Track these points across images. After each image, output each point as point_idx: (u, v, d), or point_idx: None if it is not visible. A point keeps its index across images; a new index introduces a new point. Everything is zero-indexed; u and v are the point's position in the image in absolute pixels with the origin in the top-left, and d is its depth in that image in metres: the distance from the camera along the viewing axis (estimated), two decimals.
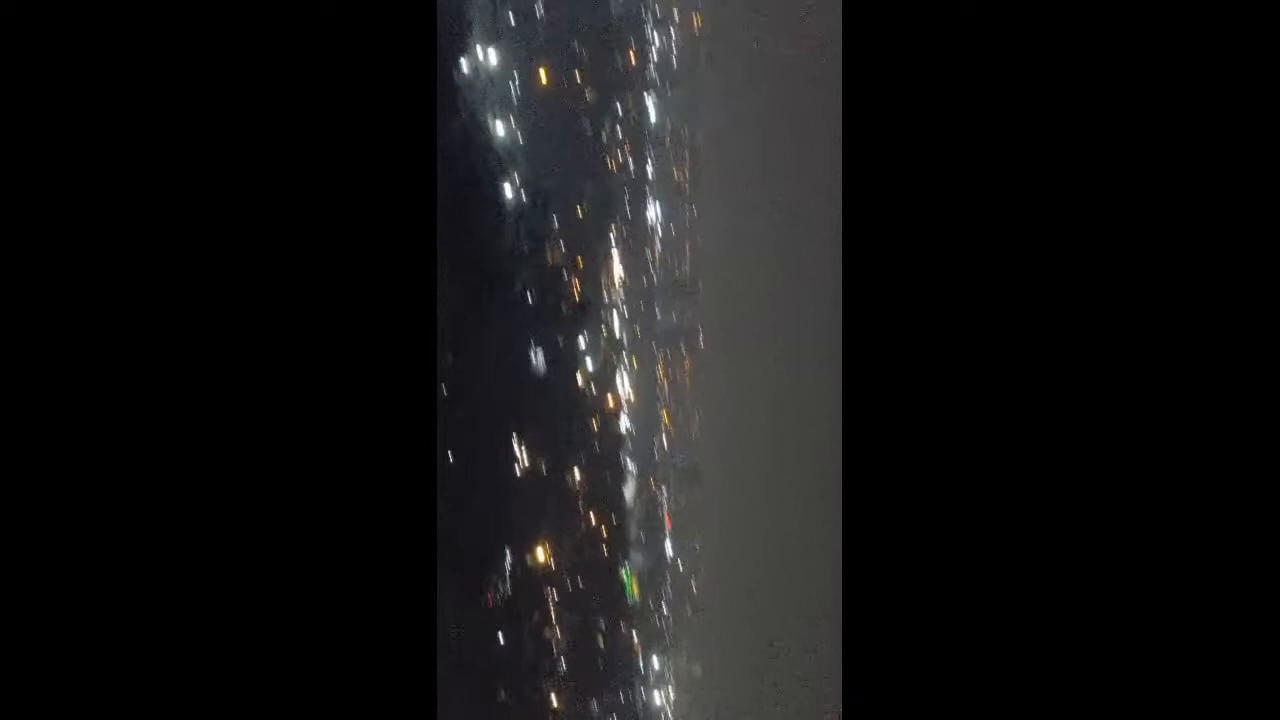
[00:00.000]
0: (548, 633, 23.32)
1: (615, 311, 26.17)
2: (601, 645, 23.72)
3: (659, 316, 31.79)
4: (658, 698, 30.01)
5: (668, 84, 29.60)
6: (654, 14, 29.46)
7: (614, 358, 25.17)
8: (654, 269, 32.11)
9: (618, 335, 26.39)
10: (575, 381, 23.70)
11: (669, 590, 33.48)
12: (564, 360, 24.27)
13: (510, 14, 21.75)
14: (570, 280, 24.41)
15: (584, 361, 24.13)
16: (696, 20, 35.30)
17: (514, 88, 21.95)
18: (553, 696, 23.36)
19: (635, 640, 26.49)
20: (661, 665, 30.01)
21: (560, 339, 24.31)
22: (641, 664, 27.28)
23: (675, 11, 32.55)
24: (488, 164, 21.56)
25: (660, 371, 32.08)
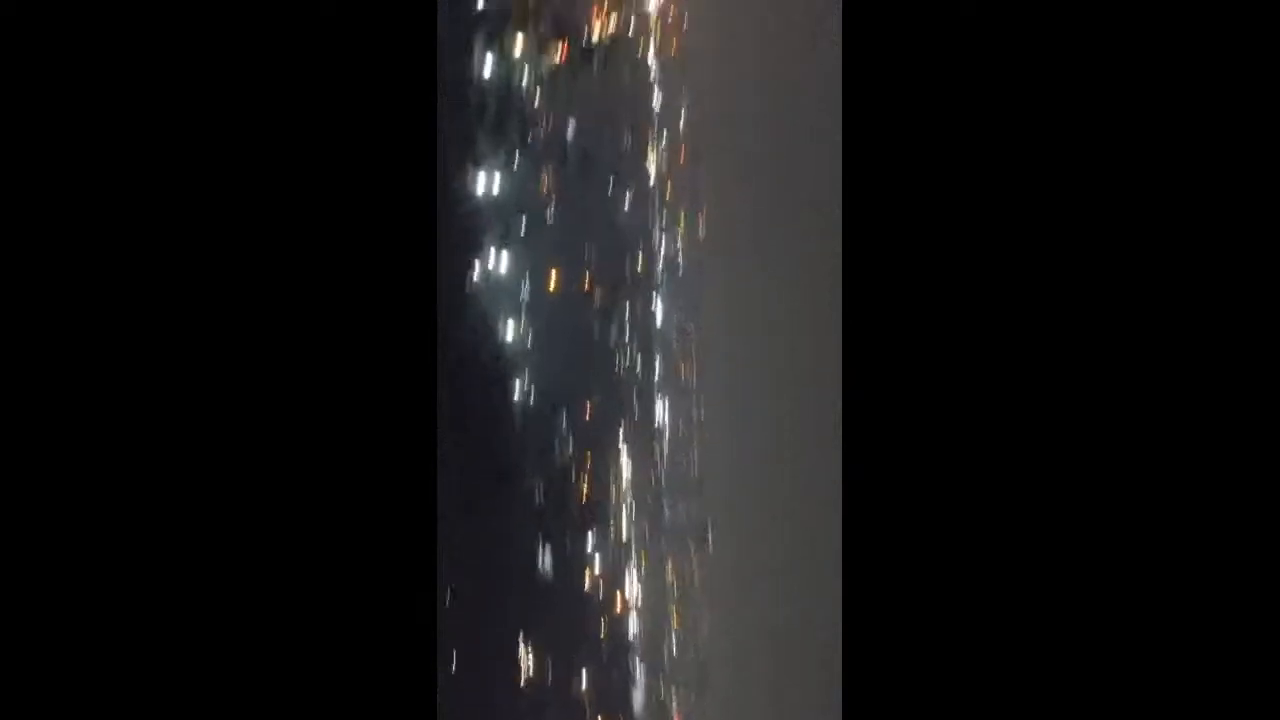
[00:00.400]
0: None
1: (624, 509, 26.10)
2: None
3: (667, 514, 31.59)
4: None
5: (673, 285, 31.32)
6: (660, 221, 31.44)
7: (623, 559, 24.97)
8: (662, 467, 32.25)
9: (624, 537, 26.17)
10: (583, 583, 23.34)
11: None
12: (572, 560, 24.00)
13: (523, 220, 23.24)
14: (579, 480, 24.50)
15: (593, 561, 23.79)
16: (701, 225, 37.58)
17: (524, 290, 23.10)
18: None
19: None
20: None
21: (568, 540, 24.14)
22: None
23: (682, 215, 34.74)
24: (498, 366, 22.34)
25: (669, 570, 31.50)
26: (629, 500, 26.59)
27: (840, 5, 3.72)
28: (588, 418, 24.42)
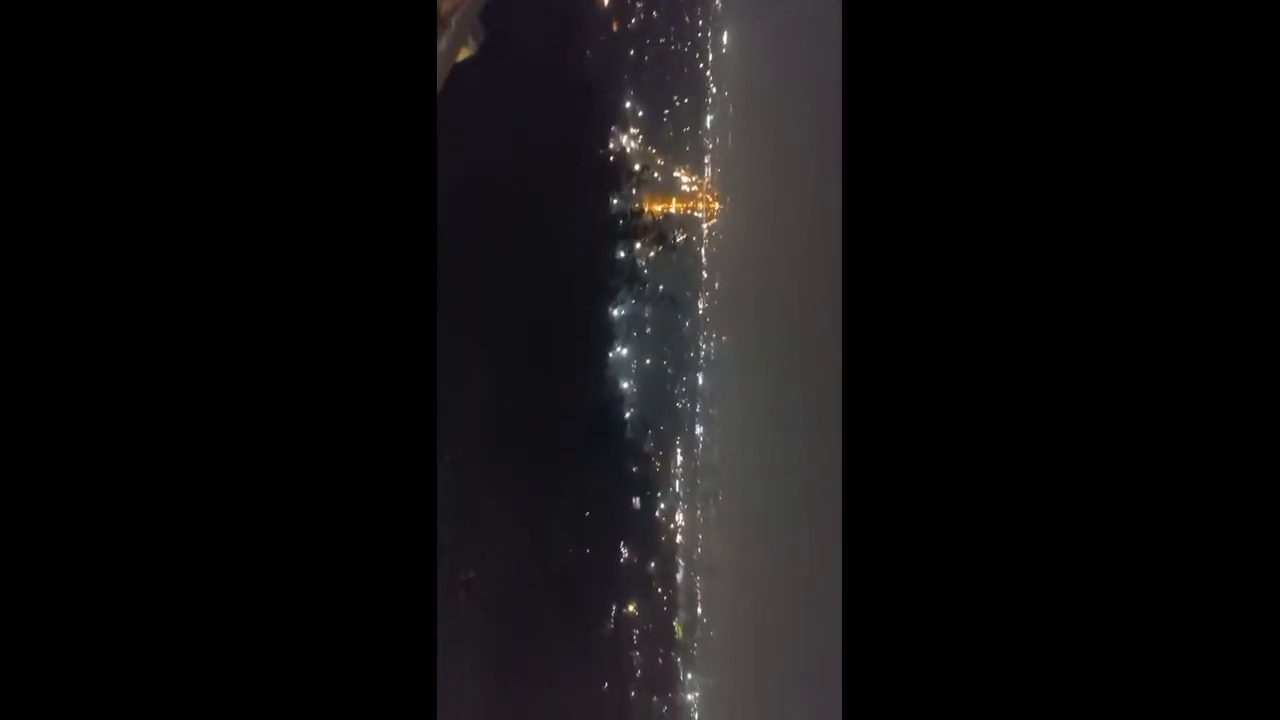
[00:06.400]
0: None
1: (677, 480, 46.03)
2: (660, 664, 41.98)
3: (699, 483, 51.61)
4: (689, 698, 48.80)
5: (710, 369, 52.90)
6: (704, 334, 53.13)
7: None
8: (697, 458, 52.44)
9: (677, 493, 46.95)
10: (654, 513, 42.43)
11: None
12: (649, 504, 43.81)
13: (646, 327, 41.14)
14: (655, 463, 43.74)
15: (659, 505, 42.65)
16: (724, 338, 58.42)
17: (634, 365, 41.01)
18: (633, 694, 40.60)
19: (678, 662, 45.27)
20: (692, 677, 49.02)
21: (648, 493, 44.14)
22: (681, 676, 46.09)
23: (715, 334, 56.97)
24: (620, 403, 41.64)
25: (699, 513, 51.75)
26: (680, 474, 47.86)
27: (840, 5, 3.55)
28: (661, 427, 44.01)
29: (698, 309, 49.79)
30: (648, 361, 42.23)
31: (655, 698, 43.10)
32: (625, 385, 39.01)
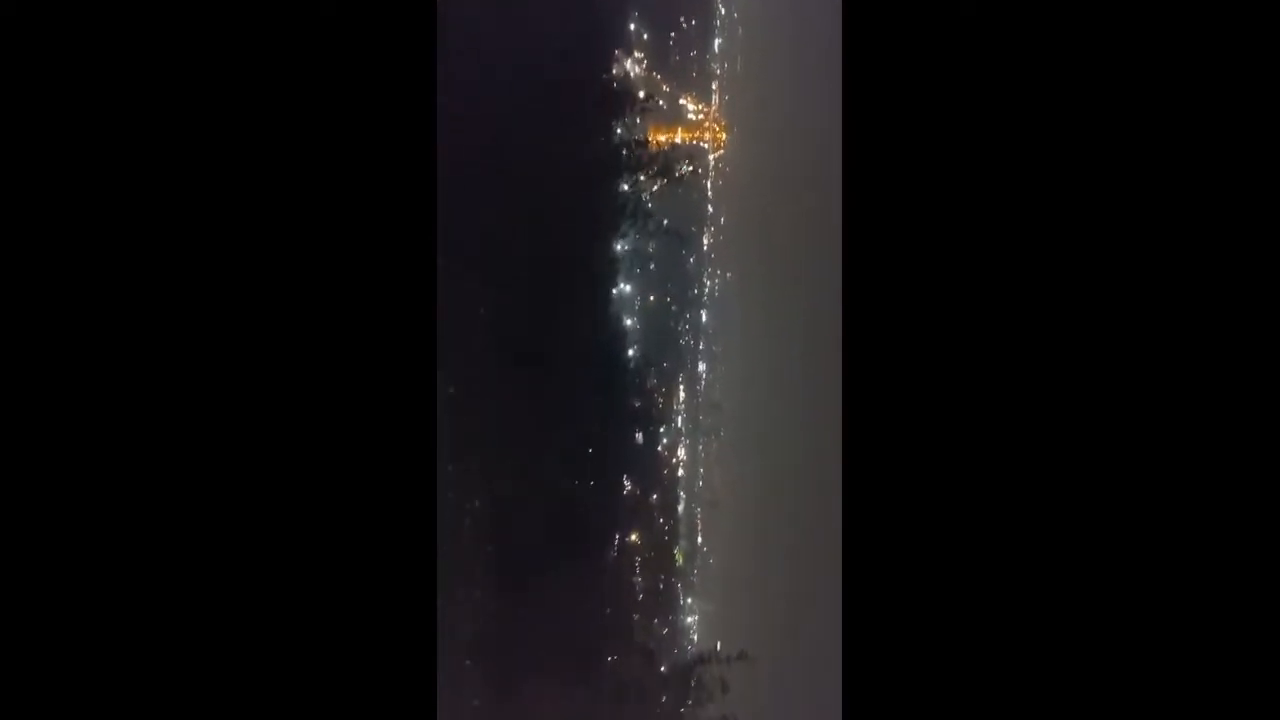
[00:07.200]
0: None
1: (680, 415, 46.85)
2: (662, 589, 43.35)
3: (700, 419, 53.00)
4: (688, 620, 50.27)
5: (712, 304, 52.85)
6: (709, 271, 52.73)
7: None
8: (700, 395, 53.17)
9: (679, 428, 47.73)
10: (658, 448, 43.77)
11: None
12: (652, 437, 46.12)
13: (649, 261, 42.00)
14: (658, 399, 45.72)
15: (662, 439, 45.39)
16: (729, 275, 57.92)
17: (637, 302, 41.80)
18: (635, 617, 42.03)
19: (679, 587, 46.59)
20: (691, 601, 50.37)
21: (650, 428, 45.00)
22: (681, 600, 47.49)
23: (719, 270, 55.70)
24: (624, 340, 42.57)
25: (700, 447, 53.05)
26: (683, 410, 48.22)
27: (840, 5, 3.53)
28: (664, 365, 44.94)
29: (703, 244, 49.30)
30: (651, 298, 42.02)
31: (656, 620, 44.36)
32: (628, 322, 38.91)
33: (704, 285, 50.89)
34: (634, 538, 43.69)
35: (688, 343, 49.26)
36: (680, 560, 44.83)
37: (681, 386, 49.40)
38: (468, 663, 15.20)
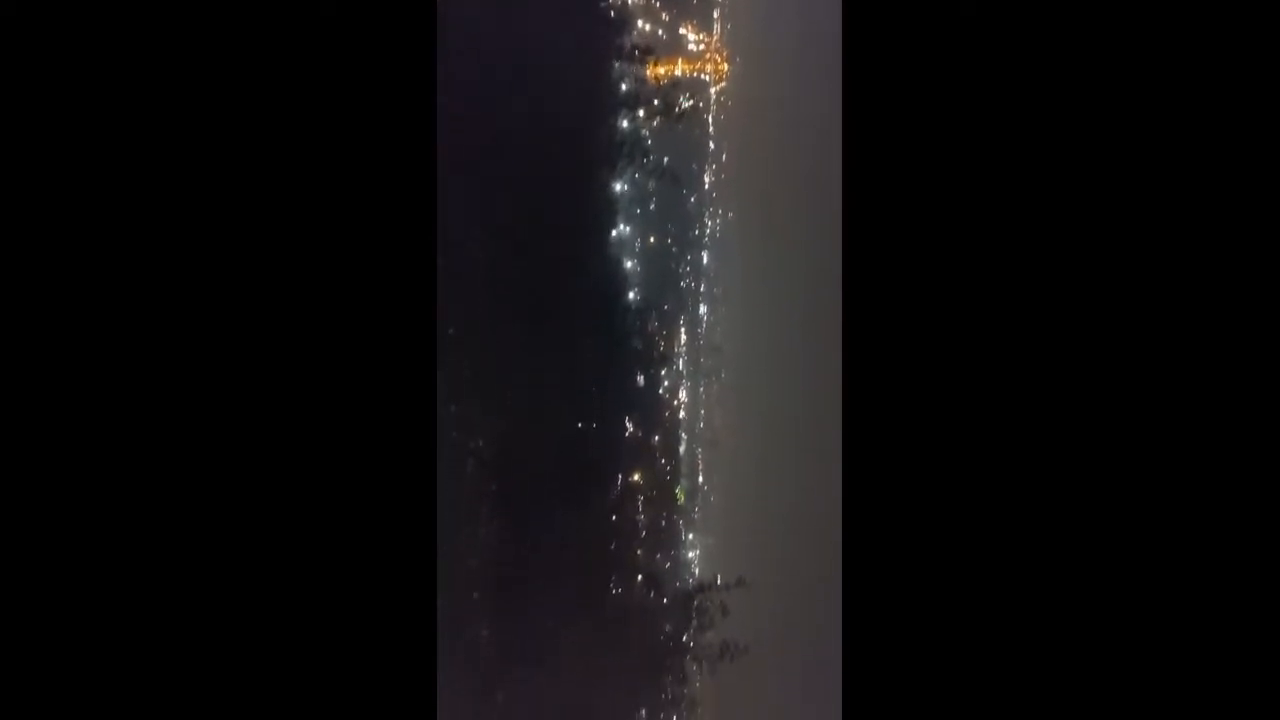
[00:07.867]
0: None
1: (682, 358, 47.29)
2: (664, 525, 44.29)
3: (702, 361, 53.48)
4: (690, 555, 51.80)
5: (714, 244, 52.47)
6: (709, 211, 52.45)
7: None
8: (701, 337, 53.64)
9: (681, 371, 48.56)
10: (659, 390, 45.42)
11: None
12: (653, 380, 46.30)
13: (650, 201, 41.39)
14: (660, 341, 45.82)
15: (663, 382, 46.17)
16: (730, 215, 57.46)
17: (637, 243, 42.47)
18: (639, 552, 43.18)
19: (680, 524, 47.70)
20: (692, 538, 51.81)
21: (652, 370, 45.46)
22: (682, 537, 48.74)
23: (721, 211, 55.90)
24: (621, 281, 42.35)
25: (701, 389, 53.74)
26: (683, 352, 48.47)
27: (840, 5, 3.51)
28: (665, 308, 44.97)
29: (704, 184, 48.72)
30: (651, 240, 41.65)
31: (658, 555, 45.34)
32: (629, 264, 38.51)
33: (705, 226, 50.47)
34: (636, 477, 44.43)
35: (688, 285, 49.06)
36: (681, 499, 45.54)
37: (683, 329, 49.43)
38: (475, 595, 15.81)
